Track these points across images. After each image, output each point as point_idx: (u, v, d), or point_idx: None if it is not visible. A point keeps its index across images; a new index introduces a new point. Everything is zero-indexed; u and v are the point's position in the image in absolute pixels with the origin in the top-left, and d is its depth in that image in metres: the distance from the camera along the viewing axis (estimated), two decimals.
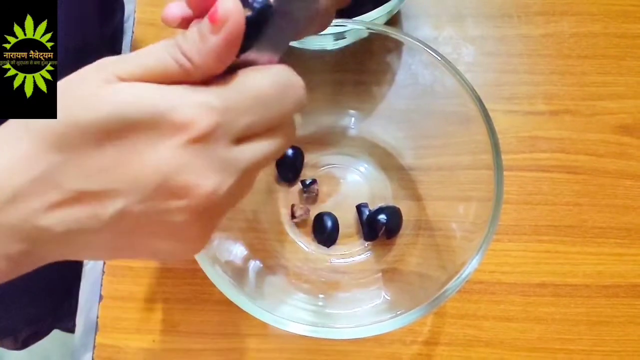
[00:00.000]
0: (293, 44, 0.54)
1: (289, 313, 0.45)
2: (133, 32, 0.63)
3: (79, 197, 0.25)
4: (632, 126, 0.60)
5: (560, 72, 0.62)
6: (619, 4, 0.65)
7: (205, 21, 0.26)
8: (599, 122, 0.60)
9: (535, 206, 0.57)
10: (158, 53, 0.27)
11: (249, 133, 0.28)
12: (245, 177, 0.28)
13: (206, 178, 0.26)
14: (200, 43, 0.26)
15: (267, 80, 0.28)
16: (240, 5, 0.26)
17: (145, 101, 0.25)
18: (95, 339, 0.53)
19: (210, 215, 0.28)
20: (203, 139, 0.25)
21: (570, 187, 0.58)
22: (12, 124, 0.26)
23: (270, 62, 0.29)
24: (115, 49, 0.63)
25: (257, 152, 0.28)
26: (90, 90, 0.25)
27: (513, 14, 0.65)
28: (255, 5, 0.28)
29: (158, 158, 0.25)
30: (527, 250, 0.56)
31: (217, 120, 0.26)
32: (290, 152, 0.57)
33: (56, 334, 0.83)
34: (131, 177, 0.25)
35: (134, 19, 0.64)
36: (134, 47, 0.63)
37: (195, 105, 0.26)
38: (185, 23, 0.31)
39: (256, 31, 0.28)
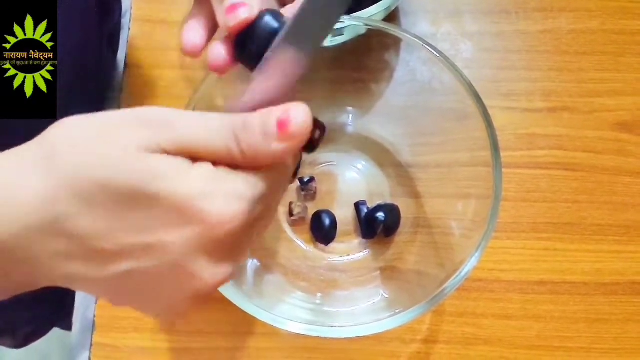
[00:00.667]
0: None
1: (287, 312, 0.45)
2: (129, 28, 0.63)
3: (86, 253, 0.25)
4: (630, 123, 0.60)
5: (558, 69, 0.62)
6: (616, 0, 0.64)
7: (273, 123, 0.26)
8: (597, 119, 0.60)
9: (534, 204, 0.57)
10: (212, 134, 0.26)
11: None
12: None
13: (215, 274, 0.27)
14: (261, 142, 0.26)
15: (284, 174, 0.29)
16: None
17: (175, 183, 0.25)
18: (92, 338, 0.53)
19: (204, 296, 0.28)
20: (225, 234, 0.26)
21: (569, 185, 0.58)
22: (36, 150, 0.26)
23: None
24: (113, 48, 0.63)
25: (256, 234, 0.30)
26: (128, 154, 0.25)
27: (511, 10, 0.65)
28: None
29: (176, 241, 0.25)
30: (525, 247, 0.56)
31: (243, 218, 0.26)
32: None
33: (55, 332, 0.82)
34: (144, 246, 0.25)
35: (131, 15, 0.64)
36: (130, 44, 0.62)
37: (224, 195, 0.25)
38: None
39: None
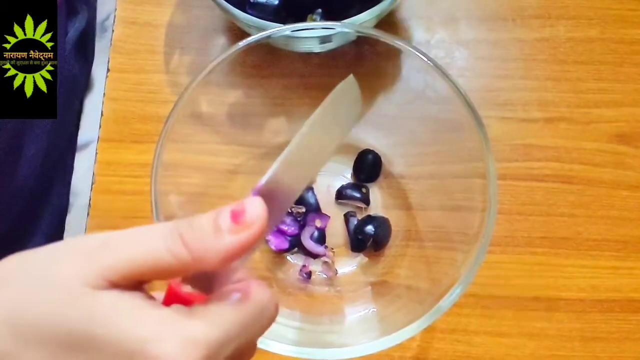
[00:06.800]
0: (279, 47, 0.52)
1: (272, 330, 0.43)
2: (113, 30, 0.61)
3: None
4: (628, 135, 0.58)
5: (556, 78, 0.61)
6: (616, 8, 0.63)
7: (226, 215, 0.24)
8: (595, 131, 0.59)
9: (529, 217, 0.56)
10: (152, 242, 0.24)
11: None
12: None
13: None
14: (213, 237, 0.24)
15: (250, 307, 0.25)
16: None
17: (125, 326, 0.23)
18: None
19: None
20: None
21: (565, 198, 0.56)
22: None
23: None
24: (87, 53, 0.61)
25: None
26: (70, 294, 0.23)
27: (508, 17, 0.63)
28: None
29: None
30: (520, 262, 0.54)
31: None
32: None
33: None
34: None
35: (115, 16, 0.62)
36: (113, 46, 0.60)
37: (178, 340, 0.23)
38: None
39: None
